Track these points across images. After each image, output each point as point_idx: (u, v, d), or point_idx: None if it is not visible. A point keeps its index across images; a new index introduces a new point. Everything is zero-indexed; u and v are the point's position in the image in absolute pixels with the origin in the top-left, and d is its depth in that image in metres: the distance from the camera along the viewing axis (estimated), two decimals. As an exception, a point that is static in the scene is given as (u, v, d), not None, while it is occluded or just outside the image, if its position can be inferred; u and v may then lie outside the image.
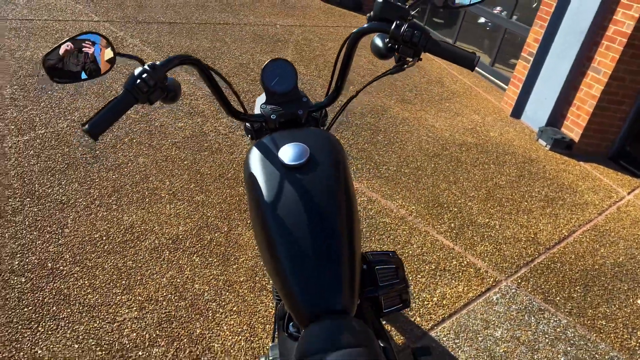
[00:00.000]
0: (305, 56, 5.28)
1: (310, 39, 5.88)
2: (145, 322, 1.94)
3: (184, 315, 2.00)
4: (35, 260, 2.10)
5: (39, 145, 2.83)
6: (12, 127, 2.94)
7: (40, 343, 1.78)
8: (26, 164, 2.65)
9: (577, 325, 2.40)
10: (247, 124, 1.42)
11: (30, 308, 1.89)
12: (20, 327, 1.82)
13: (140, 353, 1.82)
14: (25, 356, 1.73)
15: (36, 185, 2.52)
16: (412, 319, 2.24)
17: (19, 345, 1.75)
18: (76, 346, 1.80)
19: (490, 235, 2.96)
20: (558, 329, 2.35)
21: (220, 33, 5.46)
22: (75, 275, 2.08)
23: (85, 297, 1.99)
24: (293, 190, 1.16)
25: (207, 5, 6.53)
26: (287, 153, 1.20)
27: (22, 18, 4.58)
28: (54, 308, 1.91)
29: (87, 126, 1.02)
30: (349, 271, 1.11)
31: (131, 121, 3.27)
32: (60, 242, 2.21)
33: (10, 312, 1.85)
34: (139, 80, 1.06)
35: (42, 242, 2.20)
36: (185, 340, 1.90)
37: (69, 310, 1.92)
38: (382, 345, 1.21)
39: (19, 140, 2.83)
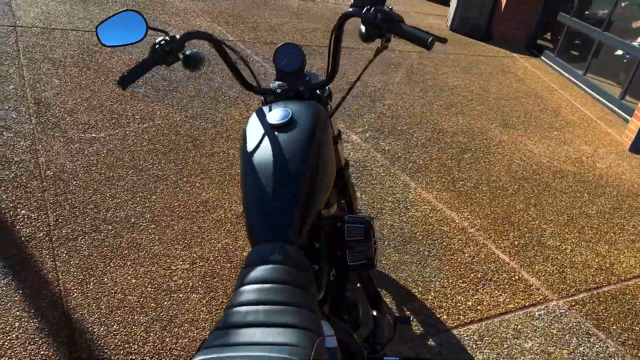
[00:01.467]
0: (413, 79, 5.45)
1: (425, 64, 6.03)
2: (193, 273, 2.27)
3: (226, 274, 2.30)
4: (123, 215, 2.56)
5: (153, 132, 3.39)
6: (137, 116, 3.55)
7: (108, 274, 2.20)
8: (139, 145, 3.21)
9: (628, 356, 2.23)
10: (263, 98, 1.68)
11: (108, 248, 2.33)
12: (97, 260, 2.26)
13: (180, 295, 2.15)
14: (94, 281, 2.15)
15: (141, 161, 3.04)
16: (439, 316, 2.29)
17: (92, 272, 2.19)
18: (134, 281, 2.18)
19: (556, 258, 2.84)
20: (601, 355, 2.21)
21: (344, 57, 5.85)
22: (150, 230, 2.50)
23: (152, 247, 2.39)
24: (269, 142, 1.39)
25: (316, 28, 7.01)
26: (273, 115, 1.44)
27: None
28: (126, 252, 2.34)
29: (119, 79, 1.38)
30: (300, 212, 1.30)
31: (233, 121, 3.74)
32: (146, 205, 2.67)
33: (92, 249, 2.31)
34: (157, 45, 1.39)
35: (132, 203, 2.67)
36: (220, 293, 2.19)
37: (136, 255, 2.33)
38: (315, 268, 1.38)
39: (138, 127, 3.42)
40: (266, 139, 1.40)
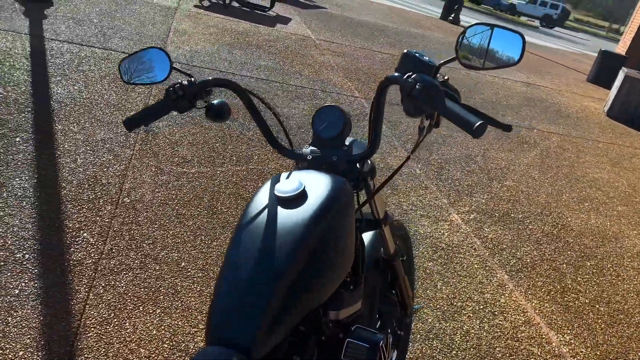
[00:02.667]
0: (547, 162, 4.85)
1: (565, 149, 5.37)
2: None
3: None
4: (175, 257, 2.46)
5: (243, 175, 3.33)
6: (234, 158, 3.54)
7: (132, 319, 2.07)
8: (223, 187, 3.15)
9: None
10: (296, 163, 1.45)
11: (145, 290, 2.22)
12: (129, 300, 2.15)
13: None
14: (116, 322, 2.03)
15: (219, 204, 2.96)
16: None
17: (118, 312, 2.08)
18: (154, 332, 2.03)
19: None
20: None
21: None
22: (195, 279, 2.35)
23: (189, 299, 2.23)
24: (265, 219, 1.14)
25: (470, 100, 6.64)
26: (285, 185, 1.20)
27: (299, 85, 5.48)
28: (161, 297, 2.21)
29: (125, 119, 1.25)
30: (271, 315, 1.02)
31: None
32: (202, 250, 2.55)
33: (129, 287, 2.22)
34: (171, 89, 1.24)
35: (190, 246, 2.57)
36: None
37: (169, 304, 2.19)
38: None
39: (230, 169, 3.39)
40: (264, 214, 1.16)
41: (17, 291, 2.03)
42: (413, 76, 1.09)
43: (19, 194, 2.59)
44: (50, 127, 3.31)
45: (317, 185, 1.20)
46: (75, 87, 3.95)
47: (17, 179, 2.69)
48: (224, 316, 1.03)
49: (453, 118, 1.01)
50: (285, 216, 1.14)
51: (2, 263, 2.15)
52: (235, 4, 9.14)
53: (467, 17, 19.73)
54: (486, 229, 3.42)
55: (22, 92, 3.65)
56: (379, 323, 1.84)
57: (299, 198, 1.16)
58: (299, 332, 1.20)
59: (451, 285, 2.74)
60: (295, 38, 7.60)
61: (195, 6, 8.02)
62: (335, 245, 1.16)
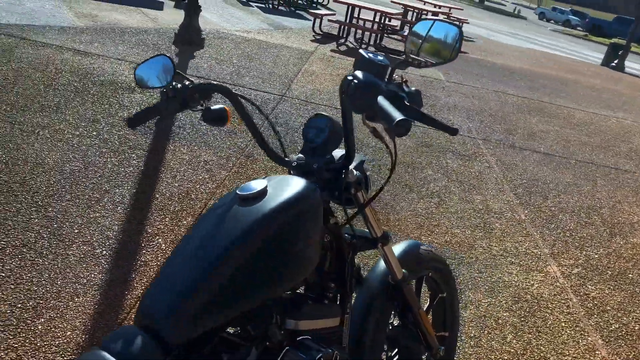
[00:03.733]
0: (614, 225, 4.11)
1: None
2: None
3: None
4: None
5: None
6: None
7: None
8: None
9: None
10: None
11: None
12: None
13: None
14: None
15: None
16: None
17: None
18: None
19: None
20: None
21: (584, 170, 4.91)
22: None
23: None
24: (218, 213, 1.16)
25: (588, 143, 5.96)
26: (248, 185, 1.21)
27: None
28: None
29: (127, 119, 1.38)
30: (196, 307, 1.02)
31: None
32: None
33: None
34: (164, 91, 1.34)
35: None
36: None
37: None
38: None
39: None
40: (219, 210, 1.18)
41: (85, 280, 2.28)
42: (351, 75, 1.05)
43: (117, 200, 2.92)
44: (164, 147, 3.70)
45: (281, 187, 1.20)
46: (194, 115, 4.39)
47: (119, 188, 3.05)
48: (149, 300, 1.06)
49: (380, 114, 0.95)
50: (237, 212, 1.15)
51: (82, 255, 2.43)
52: (372, 49, 9.42)
53: (634, 64, 17.78)
54: (590, 287, 2.99)
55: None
56: (394, 354, 1.71)
57: (257, 197, 1.16)
58: (246, 334, 1.18)
59: (524, 341, 2.43)
60: (424, 80, 7.57)
61: (332, 50, 8.45)
62: (286, 249, 1.13)
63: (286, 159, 1.40)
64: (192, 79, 1.38)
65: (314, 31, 9.57)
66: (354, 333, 1.49)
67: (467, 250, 3.12)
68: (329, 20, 9.38)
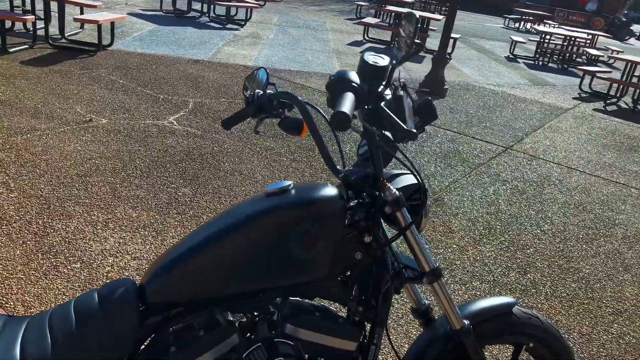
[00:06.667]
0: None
1: None
2: None
3: None
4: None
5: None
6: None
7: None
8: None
9: None
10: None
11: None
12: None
13: None
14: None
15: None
16: None
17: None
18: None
19: None
20: None
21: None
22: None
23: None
24: (242, 203, 1.26)
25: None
26: (275, 183, 1.27)
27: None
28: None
29: (222, 121, 1.60)
30: (183, 275, 1.13)
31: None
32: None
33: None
34: (248, 97, 1.51)
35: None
36: None
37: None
38: None
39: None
40: (246, 202, 1.28)
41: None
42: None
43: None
44: (240, 169, 3.93)
45: (304, 189, 1.23)
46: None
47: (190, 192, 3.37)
48: (154, 262, 1.22)
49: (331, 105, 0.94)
50: (254, 202, 1.24)
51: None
52: (652, 111, 8.07)
53: None
54: None
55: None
56: None
57: (280, 193, 1.23)
58: (238, 320, 1.24)
59: None
60: None
61: (595, 109, 7.55)
62: (285, 244, 1.17)
63: (340, 170, 1.39)
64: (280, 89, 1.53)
65: (580, 89, 8.73)
66: None
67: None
68: (597, 77, 8.42)
